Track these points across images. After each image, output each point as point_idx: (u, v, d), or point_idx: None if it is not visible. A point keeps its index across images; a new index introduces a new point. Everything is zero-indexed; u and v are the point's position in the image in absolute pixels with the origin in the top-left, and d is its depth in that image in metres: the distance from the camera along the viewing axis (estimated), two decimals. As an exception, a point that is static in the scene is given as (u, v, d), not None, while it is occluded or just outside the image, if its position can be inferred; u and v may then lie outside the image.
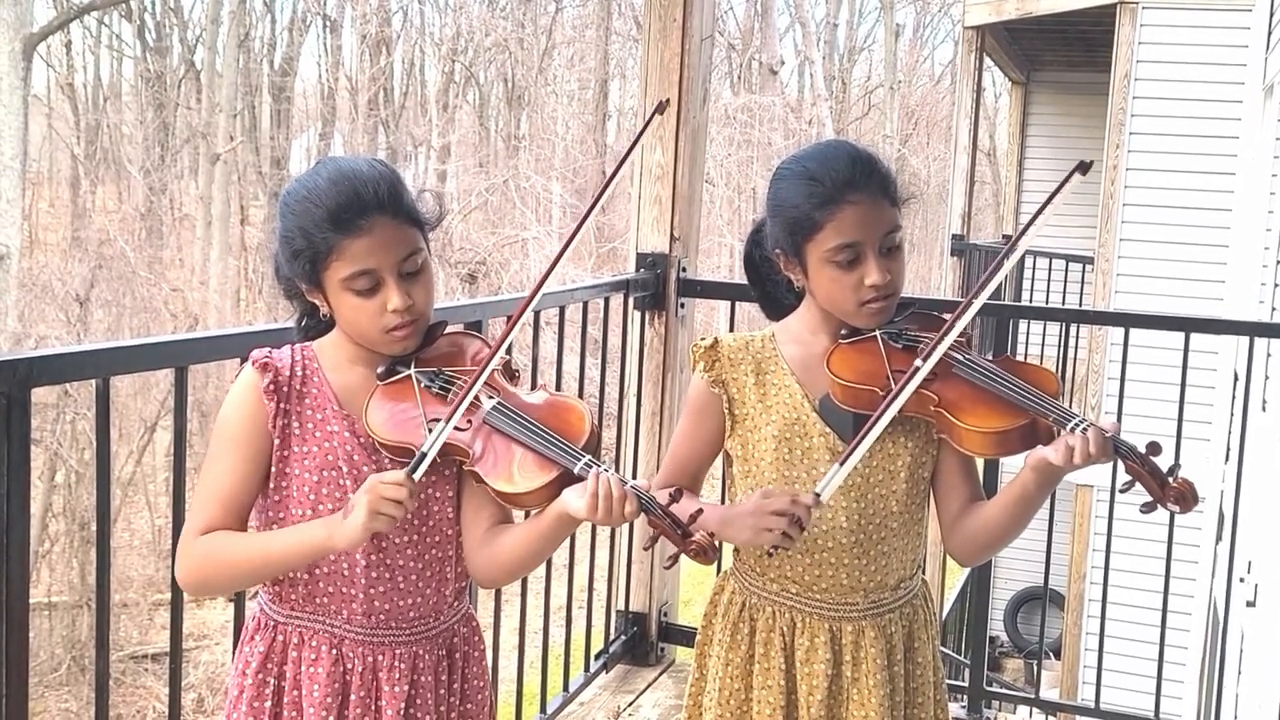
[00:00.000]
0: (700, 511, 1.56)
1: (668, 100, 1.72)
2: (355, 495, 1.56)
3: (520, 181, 20.45)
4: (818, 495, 1.70)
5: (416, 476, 1.57)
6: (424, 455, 1.59)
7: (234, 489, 1.67)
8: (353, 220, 1.63)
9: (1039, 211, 1.77)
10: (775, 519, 1.69)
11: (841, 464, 1.72)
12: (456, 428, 1.61)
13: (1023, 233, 1.81)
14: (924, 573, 2.03)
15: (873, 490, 1.86)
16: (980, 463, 2.12)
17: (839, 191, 1.78)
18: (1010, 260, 1.82)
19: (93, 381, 1.91)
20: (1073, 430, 1.66)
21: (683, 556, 1.56)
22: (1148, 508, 1.65)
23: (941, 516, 1.91)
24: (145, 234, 19.83)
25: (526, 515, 1.71)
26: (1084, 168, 1.72)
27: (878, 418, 1.73)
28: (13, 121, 14.73)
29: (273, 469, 1.69)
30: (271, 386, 1.67)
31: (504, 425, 1.63)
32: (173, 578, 1.88)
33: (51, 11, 18.47)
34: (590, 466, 1.56)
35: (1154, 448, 1.65)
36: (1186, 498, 1.63)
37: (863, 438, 1.73)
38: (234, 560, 1.65)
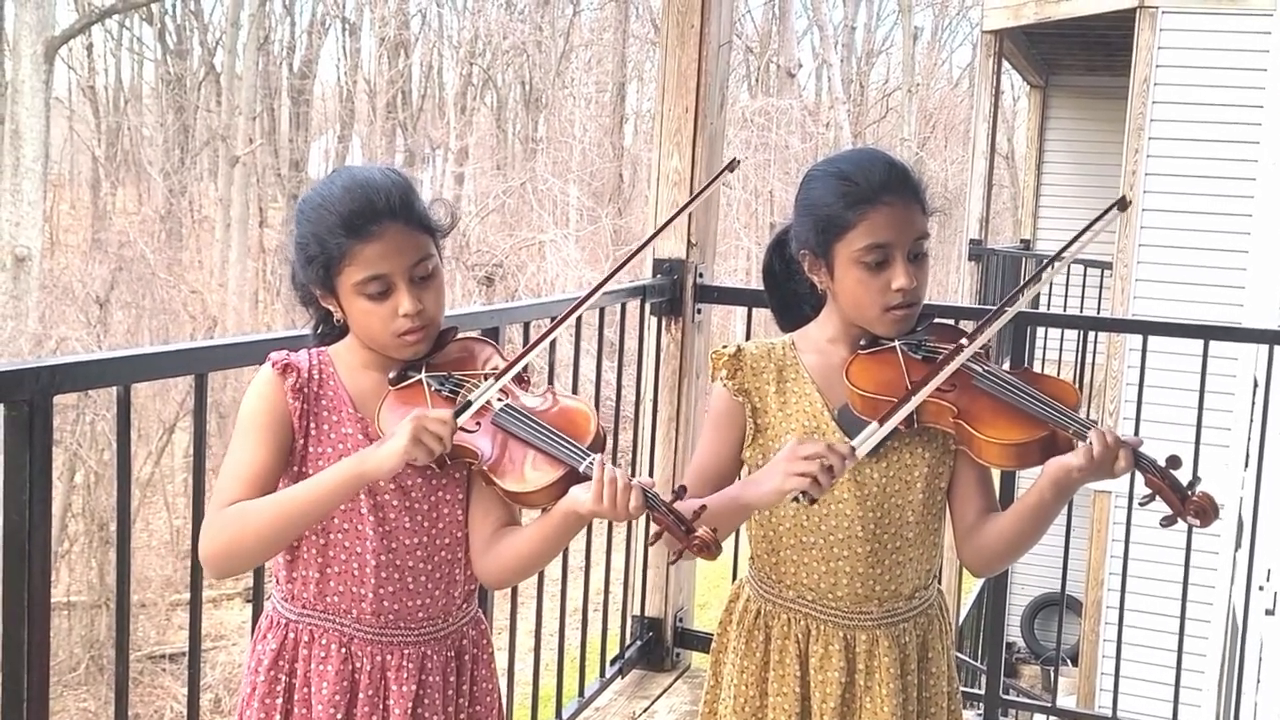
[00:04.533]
0: (704, 508, 1.57)
1: (738, 160, 1.74)
2: (398, 425, 1.59)
3: (538, 184, 20.48)
4: (854, 448, 1.68)
5: (460, 421, 1.61)
6: (469, 403, 1.63)
7: (259, 470, 1.68)
8: (364, 226, 1.67)
9: (1073, 240, 1.81)
10: (807, 463, 1.65)
11: (881, 422, 1.70)
12: (465, 429, 1.63)
13: (1056, 256, 1.83)
14: (940, 581, 2.03)
15: (889, 500, 1.86)
16: (996, 474, 2.12)
17: (874, 192, 1.80)
18: (1032, 289, 1.83)
19: (113, 388, 1.93)
20: (1092, 435, 1.67)
21: (686, 556, 1.57)
22: (1168, 521, 1.65)
23: (956, 527, 1.91)
24: (165, 236, 19.92)
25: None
26: (1123, 205, 1.75)
27: (918, 387, 1.73)
28: (34, 124, 14.84)
29: (294, 469, 1.72)
30: (296, 386, 1.71)
31: (512, 426, 1.66)
32: (193, 570, 1.90)
33: (73, 14, 18.57)
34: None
35: (1174, 461, 1.65)
36: (1206, 511, 1.62)
37: (905, 400, 1.72)
38: (256, 520, 1.64)
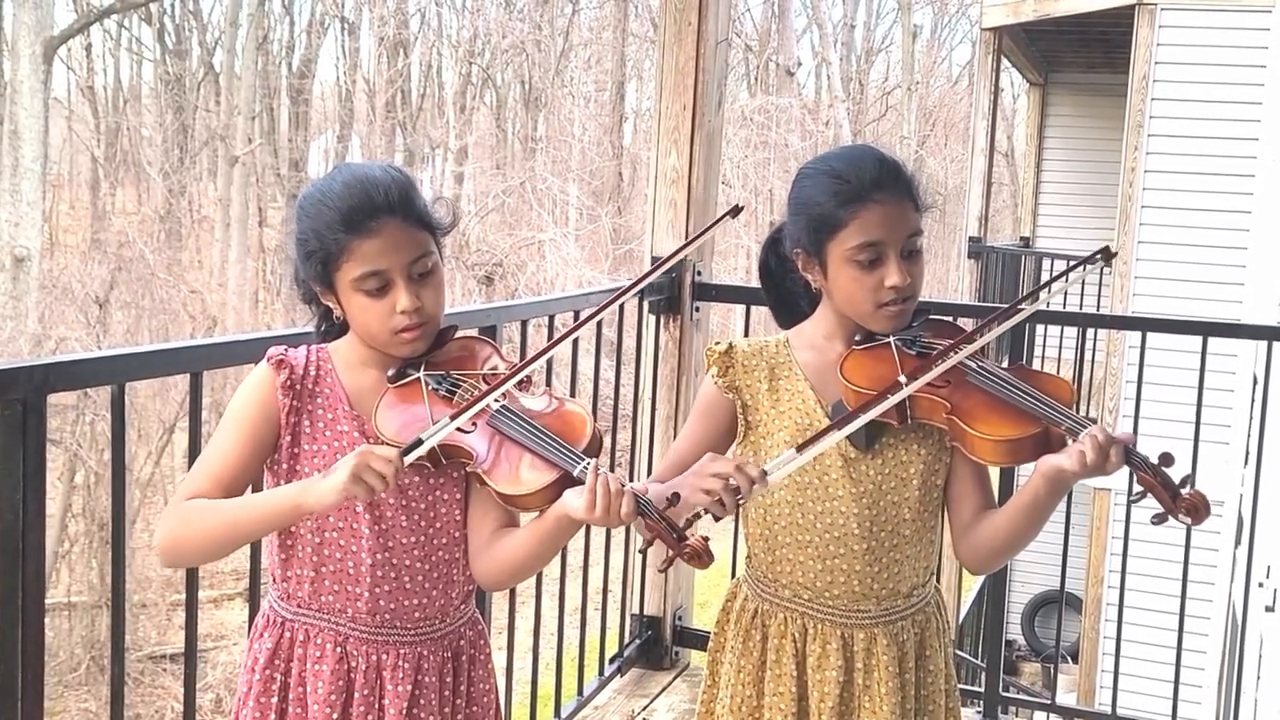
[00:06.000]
0: (698, 515, 1.56)
1: (741, 207, 1.75)
2: (342, 459, 1.57)
3: (537, 183, 20.47)
4: (764, 472, 1.66)
5: (407, 460, 1.59)
6: (420, 441, 1.60)
7: (229, 468, 1.69)
8: (363, 222, 1.66)
9: (1053, 279, 1.80)
10: (714, 481, 1.64)
11: (799, 450, 1.69)
12: (462, 430, 1.63)
13: (1033, 293, 1.84)
14: (938, 579, 2.02)
15: (885, 498, 1.86)
16: (995, 471, 2.12)
17: (865, 190, 1.79)
18: (1017, 317, 1.84)
19: (109, 387, 1.93)
20: (1085, 438, 1.66)
21: (678, 561, 1.56)
22: (1159, 519, 1.64)
23: (953, 524, 1.91)
24: (164, 236, 19.91)
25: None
26: (1108, 256, 1.75)
27: (850, 417, 1.72)
28: (33, 124, 14.83)
29: (284, 466, 1.72)
30: (287, 383, 1.71)
31: (507, 428, 1.66)
32: (188, 571, 1.90)
33: (72, 15, 18.56)
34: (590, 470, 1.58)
35: (1166, 459, 1.64)
36: (1198, 509, 1.61)
37: (827, 431, 1.71)
38: (205, 522, 1.65)
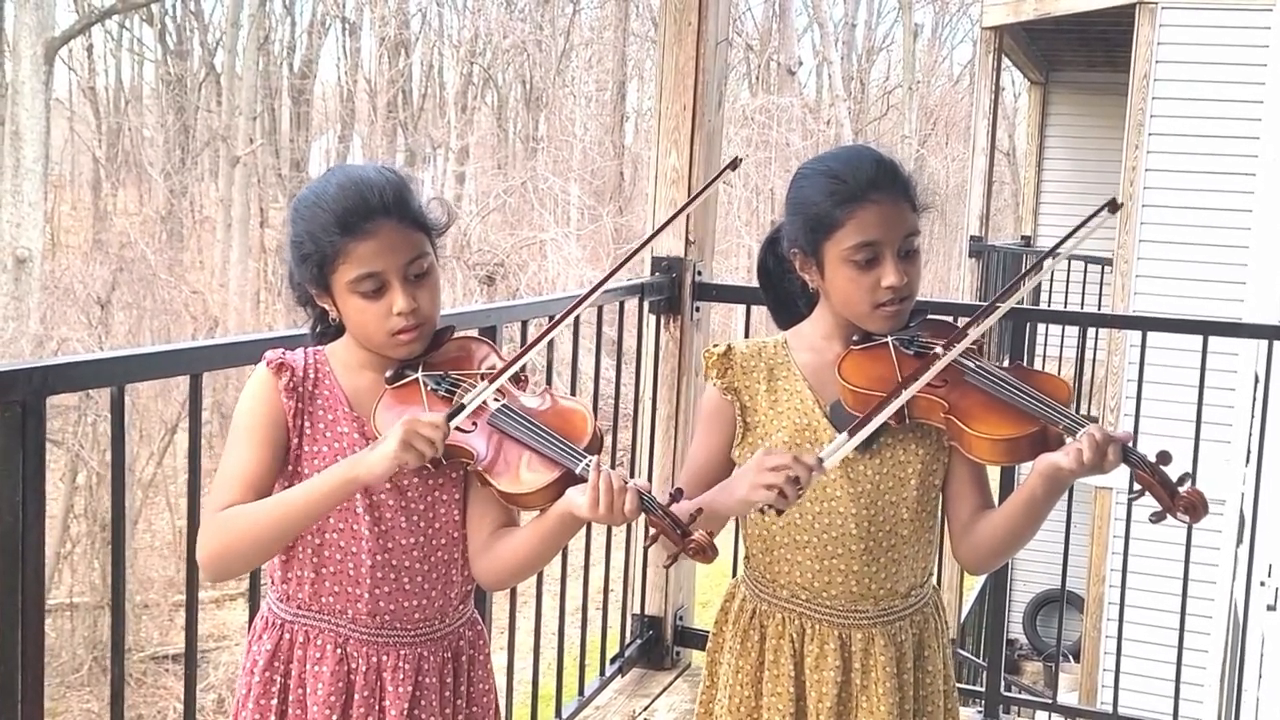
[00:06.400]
0: (700, 511, 1.56)
1: (740, 158, 1.76)
2: (389, 430, 1.58)
3: (538, 183, 20.47)
4: (821, 460, 1.66)
5: (453, 425, 1.60)
6: (463, 406, 1.62)
7: (255, 472, 1.69)
8: (358, 224, 1.66)
9: (1061, 242, 1.80)
10: (773, 475, 1.64)
11: (850, 434, 1.69)
12: (461, 429, 1.63)
13: (1043, 259, 1.84)
14: (935, 579, 2.02)
15: (883, 497, 1.86)
16: (995, 471, 2.12)
17: (862, 190, 1.79)
18: (1027, 285, 1.83)
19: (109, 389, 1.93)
20: (1082, 437, 1.66)
21: (682, 559, 1.57)
22: (1157, 517, 1.64)
23: (951, 524, 1.91)
24: (166, 236, 19.92)
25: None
26: (1114, 206, 1.74)
27: (891, 397, 1.72)
28: (35, 125, 14.84)
29: (289, 468, 1.72)
30: (290, 385, 1.71)
31: (508, 427, 1.66)
32: (188, 571, 1.90)
33: (73, 15, 18.56)
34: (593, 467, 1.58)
35: (1164, 457, 1.64)
36: (1196, 508, 1.61)
37: (875, 412, 1.71)
38: (251, 526, 1.64)
